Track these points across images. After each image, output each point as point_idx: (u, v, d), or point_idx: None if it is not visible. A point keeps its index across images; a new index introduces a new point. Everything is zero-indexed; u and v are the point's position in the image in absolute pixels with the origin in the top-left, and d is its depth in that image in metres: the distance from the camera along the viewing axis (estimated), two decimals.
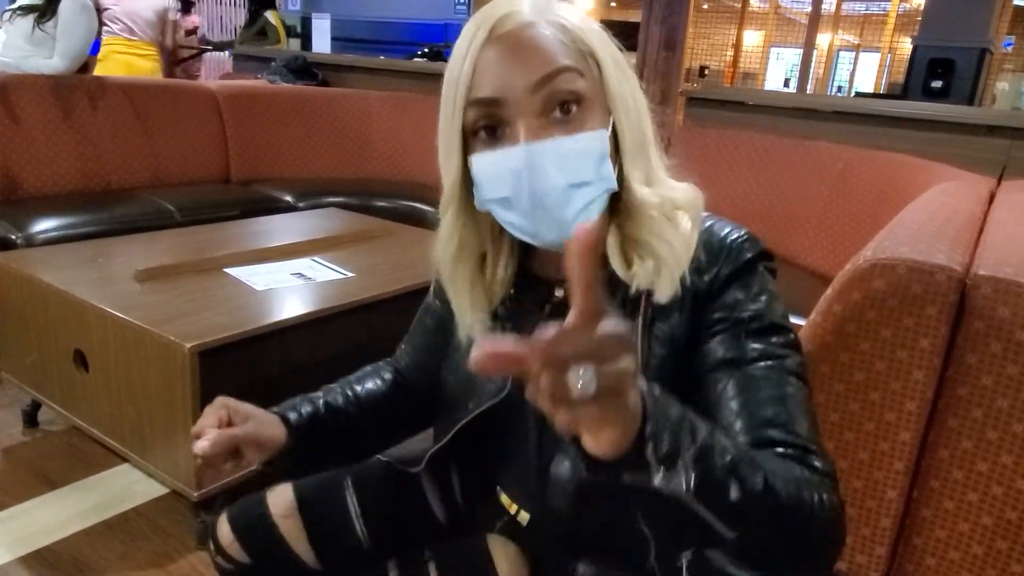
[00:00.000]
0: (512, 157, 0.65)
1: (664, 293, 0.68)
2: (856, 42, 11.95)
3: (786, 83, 11.41)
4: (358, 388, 0.94)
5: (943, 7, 5.46)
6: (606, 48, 0.69)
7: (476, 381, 0.81)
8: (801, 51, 9.57)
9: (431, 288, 0.94)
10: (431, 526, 0.94)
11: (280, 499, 0.91)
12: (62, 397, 1.76)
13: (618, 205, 0.70)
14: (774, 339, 0.67)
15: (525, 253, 0.80)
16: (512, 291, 0.80)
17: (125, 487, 1.69)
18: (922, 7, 6.39)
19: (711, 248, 0.70)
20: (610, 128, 0.68)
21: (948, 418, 0.90)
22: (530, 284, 0.80)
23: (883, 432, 0.92)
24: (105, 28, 3.95)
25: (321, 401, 0.90)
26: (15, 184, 2.67)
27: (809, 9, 9.56)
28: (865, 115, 2.71)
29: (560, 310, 0.76)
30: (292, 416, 0.85)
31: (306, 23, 7.30)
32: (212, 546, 0.89)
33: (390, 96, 3.65)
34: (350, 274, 1.89)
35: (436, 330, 0.92)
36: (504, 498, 0.88)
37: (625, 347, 0.41)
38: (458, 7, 6.68)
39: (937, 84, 4.30)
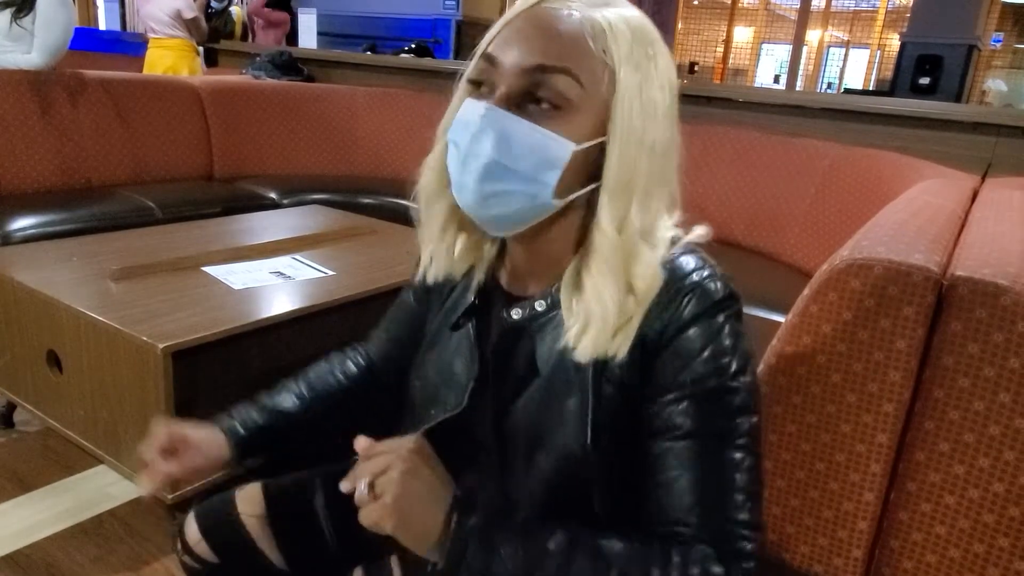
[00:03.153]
0: (474, 110, 0.65)
1: (584, 354, 0.66)
2: (846, 38, 11.98)
3: (776, 79, 11.43)
4: (318, 389, 0.93)
5: (931, 4, 5.47)
6: (638, 78, 0.64)
7: (439, 390, 0.79)
8: (791, 47, 9.58)
9: (410, 281, 0.91)
10: None
11: (249, 498, 0.90)
12: (36, 398, 1.73)
13: (588, 239, 0.67)
14: (724, 406, 0.64)
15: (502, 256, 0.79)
16: (478, 294, 0.78)
17: (100, 489, 1.66)
18: (911, 4, 6.42)
19: (669, 287, 0.66)
20: (594, 154, 0.65)
21: (925, 420, 0.89)
22: (495, 291, 0.78)
23: (860, 434, 0.91)
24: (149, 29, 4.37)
25: (275, 410, 0.89)
26: None
27: (799, 5, 9.57)
28: (852, 112, 2.71)
29: (508, 334, 0.75)
30: (239, 432, 0.86)
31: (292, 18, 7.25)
32: (179, 545, 0.88)
33: (376, 92, 3.62)
34: (331, 272, 1.86)
35: (408, 324, 0.91)
36: None
37: (391, 463, 0.61)
38: (447, 3, 6.64)
39: (925, 81, 4.31)
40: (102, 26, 8.05)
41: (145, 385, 1.42)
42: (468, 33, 6.69)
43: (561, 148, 0.64)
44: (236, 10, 5.21)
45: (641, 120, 0.64)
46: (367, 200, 3.10)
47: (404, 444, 0.63)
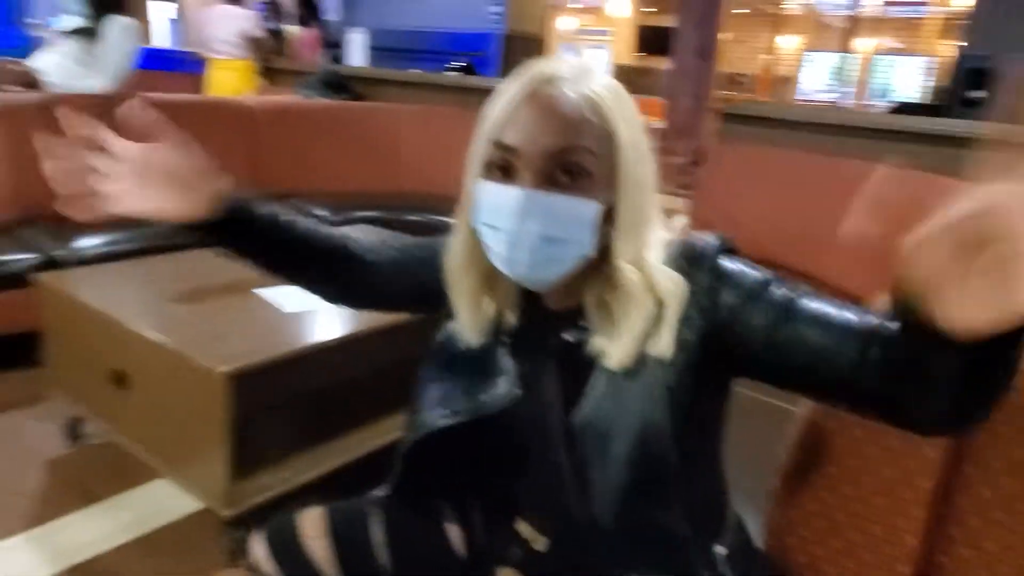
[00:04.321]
0: (510, 194, 0.73)
1: (612, 359, 0.76)
2: (897, 47, 11.72)
3: (822, 90, 11.25)
4: (322, 234, 0.96)
5: (989, 12, 5.32)
6: (629, 131, 0.75)
7: (470, 390, 0.86)
8: (839, 55, 9.41)
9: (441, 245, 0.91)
10: (452, 560, 0.96)
11: (311, 521, 0.95)
12: (103, 413, 1.83)
13: (603, 271, 0.77)
14: (775, 283, 0.75)
15: None
16: (520, 316, 0.86)
17: (161, 502, 1.74)
18: (968, 11, 6.24)
19: (687, 278, 0.77)
20: (609, 204, 0.75)
21: (967, 466, 0.89)
22: (538, 313, 0.85)
23: (903, 478, 0.92)
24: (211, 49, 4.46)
25: (285, 219, 0.93)
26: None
27: (847, 13, 9.40)
28: (902, 132, 2.67)
29: (569, 351, 0.81)
30: (252, 208, 0.90)
31: (342, 32, 7.43)
32: (247, 563, 0.93)
33: (420, 110, 3.70)
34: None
35: (422, 266, 0.94)
36: (523, 527, 0.90)
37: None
38: (492, 16, 6.73)
39: (976, 95, 4.18)
40: (155, 44, 8.33)
41: (205, 405, 1.50)
42: (512, 46, 6.76)
43: (592, 209, 0.74)
44: (289, 29, 5.36)
45: (638, 166, 0.76)
46: (413, 217, 3.17)
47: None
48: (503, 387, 0.84)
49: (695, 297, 0.76)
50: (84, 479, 1.85)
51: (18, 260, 2.34)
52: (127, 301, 1.79)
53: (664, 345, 0.75)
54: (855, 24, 8.96)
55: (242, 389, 1.47)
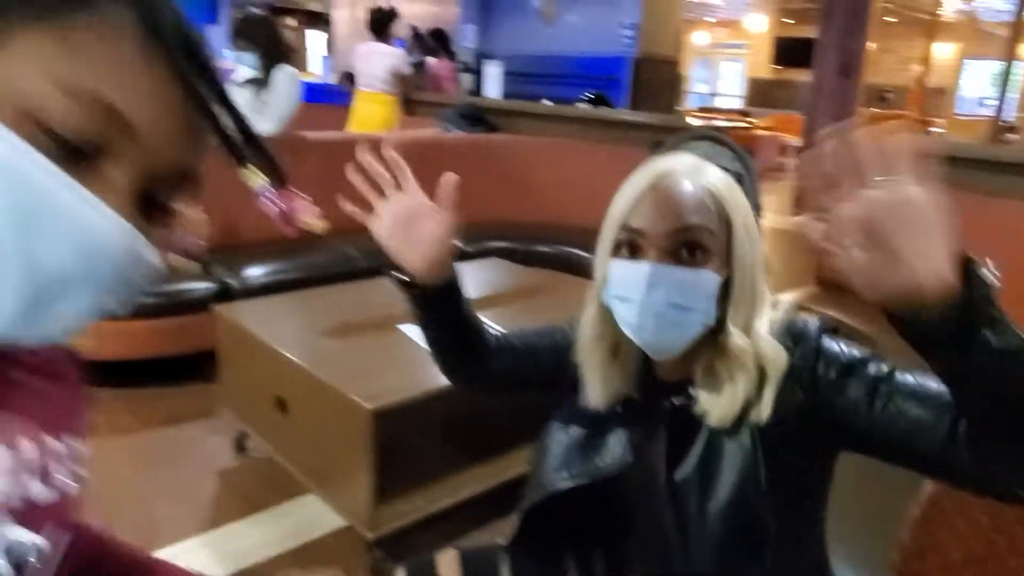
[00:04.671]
0: (639, 269, 0.83)
1: (714, 418, 0.84)
2: None
3: (982, 103, 10.37)
4: (480, 326, 1.06)
5: None
6: (741, 215, 0.85)
7: (587, 453, 0.94)
8: (1001, 64, 8.66)
9: (571, 326, 1.02)
10: None
11: (447, 562, 1.08)
12: (265, 432, 2.06)
13: (714, 340, 0.85)
14: (874, 361, 0.81)
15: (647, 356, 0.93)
16: (637, 388, 0.94)
17: (313, 516, 1.93)
18: None
19: (791, 353, 0.84)
20: (724, 278, 0.84)
21: None
22: (654, 384, 0.93)
23: None
24: (357, 83, 4.75)
25: (465, 305, 1.03)
26: (235, 232, 3.11)
27: (1010, 19, 8.65)
28: None
29: (676, 413, 0.89)
30: (455, 280, 1.00)
31: (482, 59, 7.71)
32: None
33: (552, 143, 3.83)
34: None
35: (549, 353, 1.04)
36: None
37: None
38: (625, 40, 6.77)
39: None
40: (310, 76, 9.00)
41: (353, 436, 1.66)
42: (644, 69, 6.77)
43: (712, 281, 0.83)
44: (430, 60, 5.66)
45: (748, 245, 0.85)
46: (543, 248, 3.29)
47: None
48: (617, 452, 0.92)
49: (796, 371, 0.83)
50: (248, 490, 2.09)
51: (199, 289, 2.67)
52: (288, 334, 2.01)
53: (764, 409, 0.82)
54: (1019, 30, 8.22)
55: (385, 423, 1.63)
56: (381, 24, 4.72)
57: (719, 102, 14.77)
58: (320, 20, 12.08)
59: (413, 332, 2.00)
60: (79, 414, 0.58)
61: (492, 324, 1.11)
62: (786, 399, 0.83)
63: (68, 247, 0.41)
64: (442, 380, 1.73)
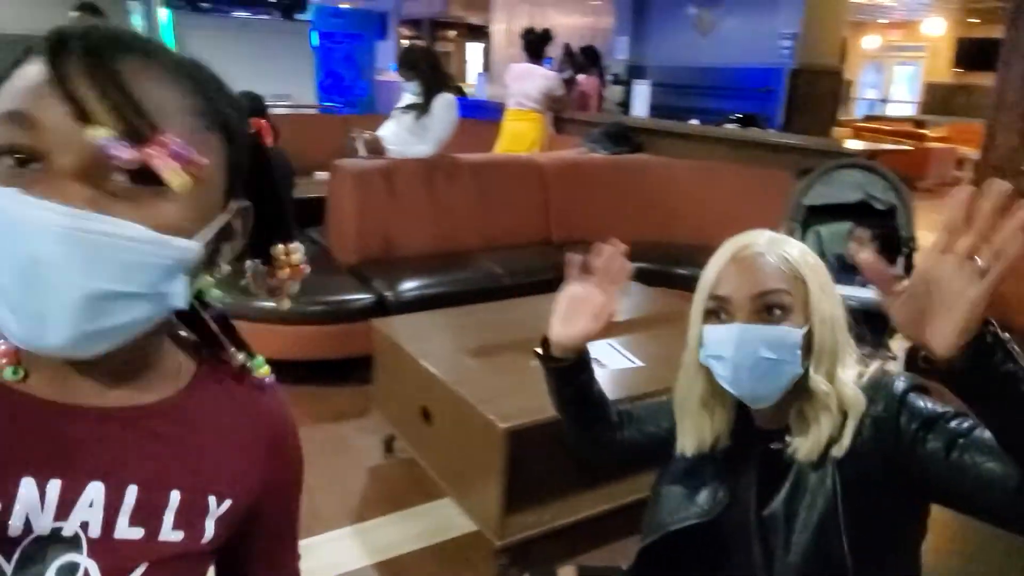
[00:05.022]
0: (729, 330, 0.95)
1: (801, 453, 0.95)
2: None
3: None
4: (608, 403, 1.20)
5: None
6: (815, 276, 0.97)
7: (693, 497, 1.05)
8: None
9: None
10: None
11: (567, 574, 1.21)
12: (410, 437, 2.27)
13: (803, 387, 0.96)
14: (957, 417, 0.87)
15: (745, 408, 1.04)
16: (732, 436, 1.05)
17: (448, 519, 2.11)
18: None
19: (876, 403, 0.93)
20: (805, 331, 0.95)
21: None
22: (749, 433, 1.04)
23: None
24: (507, 103, 4.96)
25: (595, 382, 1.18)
26: (392, 246, 3.39)
27: None
28: None
29: (769, 457, 1.00)
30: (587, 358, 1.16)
31: (633, 72, 7.74)
32: None
33: (695, 165, 3.83)
34: (640, 363, 2.11)
35: (666, 424, 1.15)
36: None
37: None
38: (782, 52, 6.55)
39: None
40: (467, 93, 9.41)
41: (488, 451, 1.81)
42: (802, 82, 6.51)
43: (794, 334, 0.94)
44: (580, 78, 5.77)
45: (827, 303, 0.96)
46: (682, 271, 3.31)
47: None
48: (718, 496, 1.04)
49: (880, 422, 0.91)
50: (394, 488, 2.31)
51: (359, 299, 2.95)
52: (434, 350, 2.20)
53: (843, 444, 0.92)
54: None
55: (517, 442, 1.76)
56: (535, 45, 4.90)
57: (890, 109, 13.79)
58: (480, 33, 12.59)
59: None
60: (203, 470, 0.62)
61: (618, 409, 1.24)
62: (870, 449, 0.91)
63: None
64: None
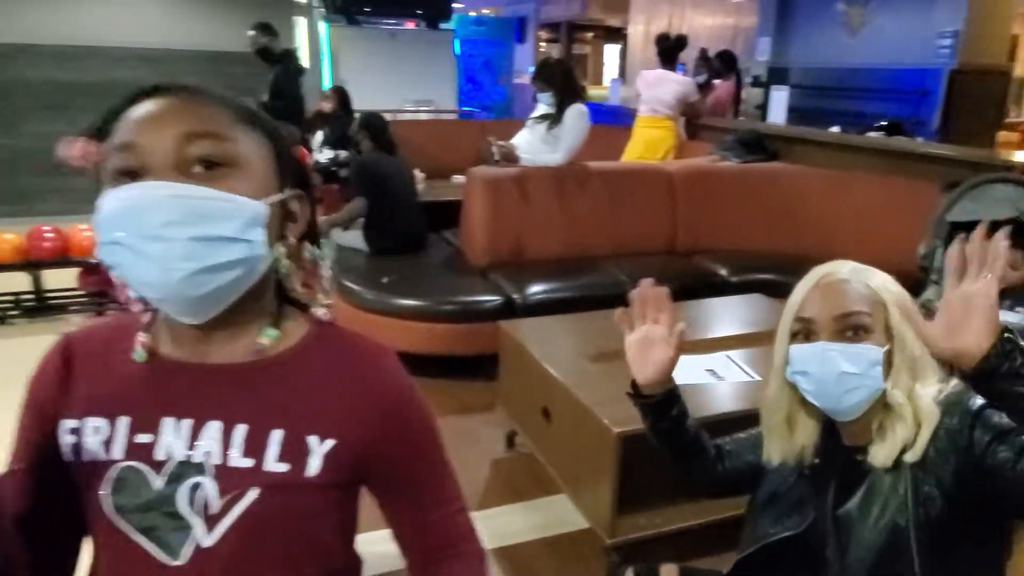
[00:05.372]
0: (814, 348, 1.05)
1: (877, 459, 1.03)
2: None
3: None
4: (703, 437, 1.30)
5: None
6: (896, 301, 1.06)
7: (786, 512, 1.13)
8: None
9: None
10: None
11: (668, 572, 1.32)
12: (531, 434, 2.41)
13: (883, 402, 1.05)
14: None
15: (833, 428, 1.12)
16: (820, 454, 1.13)
17: (564, 514, 2.24)
18: None
19: (951, 418, 1.00)
20: (886, 350, 1.03)
21: None
22: (836, 448, 1.12)
23: None
24: (639, 109, 4.99)
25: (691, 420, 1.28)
26: (522, 251, 3.56)
27: None
28: None
29: (851, 468, 1.08)
30: (676, 392, 1.25)
31: (774, 73, 7.51)
32: None
33: (831, 175, 3.71)
34: (759, 378, 2.13)
35: (755, 450, 1.24)
36: None
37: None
38: (941, 51, 6.13)
39: None
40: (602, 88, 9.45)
41: (602, 454, 1.92)
42: (963, 83, 6.06)
43: (874, 352, 1.03)
44: (714, 83, 5.70)
45: (907, 327, 1.03)
46: None
47: None
48: (806, 509, 1.12)
49: (954, 434, 0.98)
50: (514, 480, 2.47)
51: (488, 300, 3.14)
52: (556, 353, 2.33)
53: (916, 451, 1.00)
54: None
55: (629, 446, 1.85)
56: (670, 52, 4.91)
57: None
58: (617, 35, 12.59)
59: None
60: (317, 417, 0.77)
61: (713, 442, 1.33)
62: (943, 459, 0.98)
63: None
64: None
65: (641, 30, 9.97)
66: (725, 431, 1.95)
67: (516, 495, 2.37)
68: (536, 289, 3.20)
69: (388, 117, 4.09)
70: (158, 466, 0.73)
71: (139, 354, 0.77)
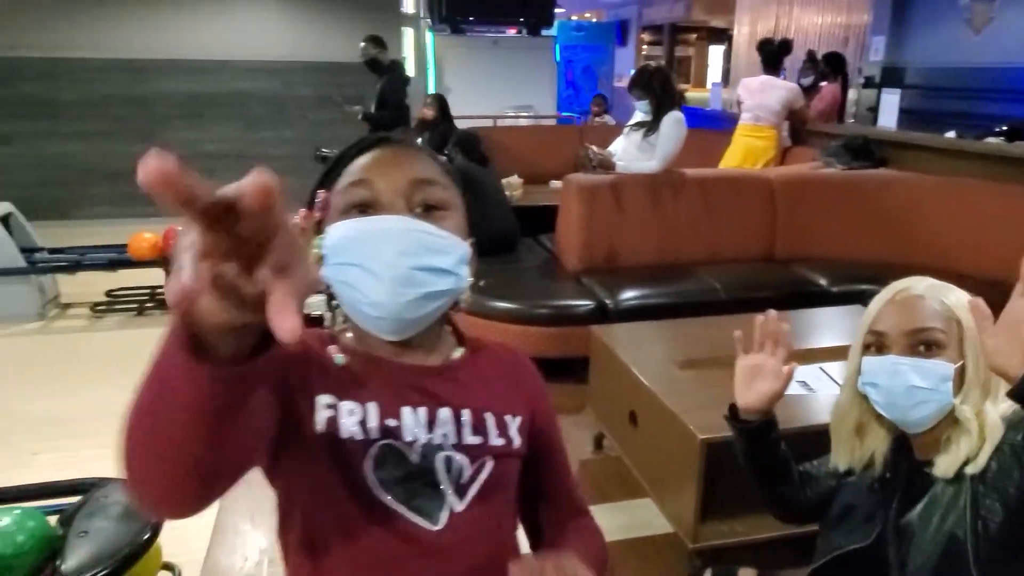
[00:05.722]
0: (885, 361, 1.08)
1: (940, 469, 1.05)
2: None
3: None
4: (789, 462, 1.32)
5: None
6: (968, 316, 1.05)
7: (857, 525, 1.16)
8: None
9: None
10: None
11: (746, 575, 1.35)
12: (618, 437, 2.47)
13: (952, 417, 1.06)
14: None
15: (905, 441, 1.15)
16: (891, 467, 1.15)
17: (648, 517, 2.28)
18: None
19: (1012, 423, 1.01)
20: (958, 366, 1.05)
21: None
22: (905, 461, 1.14)
23: None
24: (741, 116, 4.92)
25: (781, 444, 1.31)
26: (615, 257, 3.61)
27: None
28: None
29: (916, 480, 1.09)
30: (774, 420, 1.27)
31: (888, 74, 7.18)
32: None
33: (946, 182, 3.55)
34: None
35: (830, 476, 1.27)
36: None
37: None
38: None
39: None
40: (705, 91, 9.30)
41: (685, 459, 1.96)
42: None
43: (945, 368, 1.05)
44: (824, 86, 5.53)
45: (977, 343, 1.02)
46: None
47: None
48: (876, 521, 1.14)
49: (1017, 450, 0.97)
50: (600, 481, 2.53)
51: (581, 305, 3.21)
52: (645, 359, 2.38)
53: (979, 463, 1.00)
54: None
55: (713, 453, 1.88)
56: (774, 57, 4.81)
57: None
58: (722, 36, 12.34)
59: None
60: (511, 399, 0.91)
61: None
62: (1006, 474, 0.98)
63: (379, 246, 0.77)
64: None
65: (747, 31, 9.73)
66: (812, 444, 1.95)
67: (602, 496, 2.43)
68: (629, 295, 3.24)
69: (488, 123, 4.24)
70: (408, 446, 0.83)
71: (339, 358, 0.85)
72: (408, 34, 7.10)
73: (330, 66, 6.48)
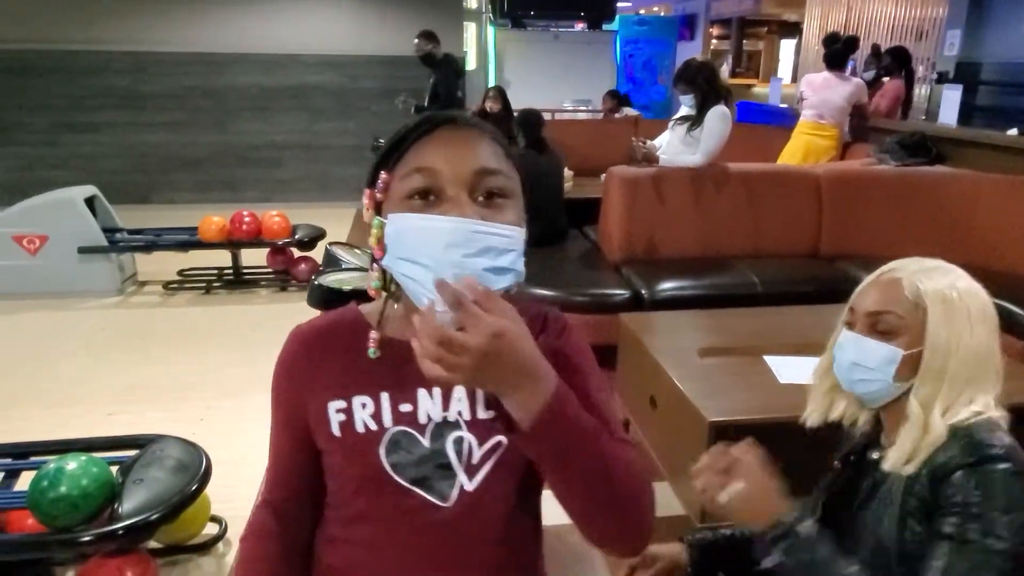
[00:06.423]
0: (845, 336, 1.14)
1: (886, 463, 1.07)
2: None
3: None
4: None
5: None
6: (944, 308, 1.05)
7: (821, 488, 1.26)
8: None
9: None
10: None
11: None
12: (639, 421, 2.54)
13: (903, 406, 1.07)
14: (976, 520, 0.93)
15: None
16: (872, 442, 1.19)
17: (664, 499, 2.34)
18: None
19: (956, 443, 1.00)
20: (909, 353, 1.05)
21: None
22: (876, 444, 1.18)
23: None
24: (802, 112, 4.84)
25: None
26: (655, 249, 3.66)
27: None
28: None
29: (872, 464, 1.14)
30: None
31: (963, 69, 6.92)
32: None
33: (1004, 180, 3.45)
34: None
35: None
36: None
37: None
38: None
39: None
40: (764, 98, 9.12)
41: (695, 441, 2.02)
42: None
43: (892, 353, 1.07)
44: (887, 81, 5.39)
45: (945, 334, 1.03)
46: None
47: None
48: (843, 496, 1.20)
49: (937, 468, 0.99)
50: None
51: (618, 294, 3.28)
52: (668, 346, 2.44)
53: (909, 467, 1.02)
54: None
55: (722, 436, 1.93)
56: (838, 56, 4.73)
57: None
58: (793, 29, 12.04)
59: (776, 363, 2.24)
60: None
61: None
62: (928, 483, 1.00)
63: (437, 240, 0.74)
64: (776, 412, 1.99)
65: (818, 24, 9.50)
66: (833, 435, 1.99)
67: None
68: (665, 286, 3.29)
69: (546, 116, 4.32)
70: (422, 428, 0.87)
71: (372, 352, 0.88)
72: (470, 28, 7.25)
73: (394, 60, 6.69)
